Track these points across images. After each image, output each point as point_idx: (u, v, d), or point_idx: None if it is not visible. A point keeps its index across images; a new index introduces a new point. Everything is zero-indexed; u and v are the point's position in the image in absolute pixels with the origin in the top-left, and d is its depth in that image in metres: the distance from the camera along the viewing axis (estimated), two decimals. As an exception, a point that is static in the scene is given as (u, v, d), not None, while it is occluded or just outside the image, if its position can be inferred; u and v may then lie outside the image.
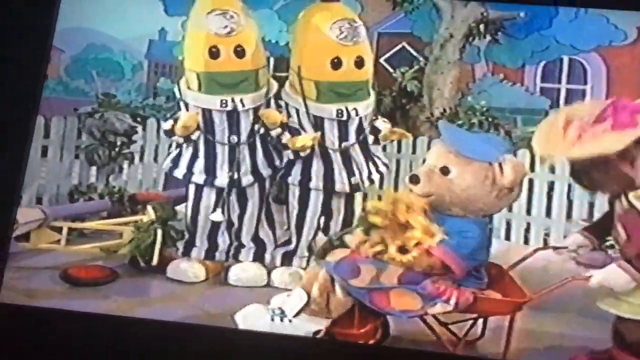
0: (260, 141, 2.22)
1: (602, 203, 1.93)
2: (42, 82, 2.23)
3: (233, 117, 2.18)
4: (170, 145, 2.28)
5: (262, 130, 2.21)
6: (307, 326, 1.75)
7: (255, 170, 2.22)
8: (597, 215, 2.03)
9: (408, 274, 1.70)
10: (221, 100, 2.16)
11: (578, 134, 1.64)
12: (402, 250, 1.66)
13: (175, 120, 2.22)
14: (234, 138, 2.18)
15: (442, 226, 1.69)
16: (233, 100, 2.15)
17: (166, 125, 2.26)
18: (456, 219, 1.71)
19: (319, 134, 2.17)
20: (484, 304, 1.73)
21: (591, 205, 2.20)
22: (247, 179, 2.20)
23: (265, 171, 2.24)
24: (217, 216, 2.21)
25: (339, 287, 1.72)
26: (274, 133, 2.20)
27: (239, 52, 2.15)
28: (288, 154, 2.21)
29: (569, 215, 2.27)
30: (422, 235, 1.66)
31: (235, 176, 2.18)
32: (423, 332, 1.80)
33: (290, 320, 1.75)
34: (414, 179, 1.74)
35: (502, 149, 1.75)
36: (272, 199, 2.32)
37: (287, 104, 2.24)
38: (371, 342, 1.80)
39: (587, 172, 1.68)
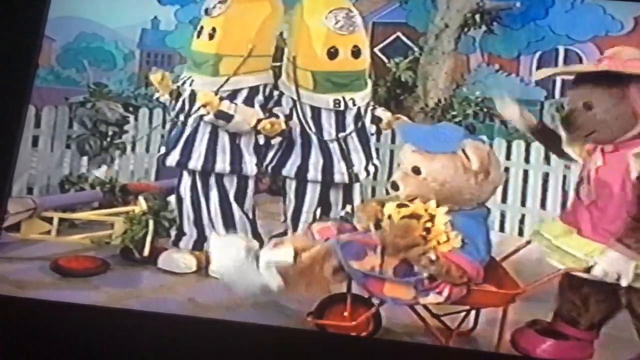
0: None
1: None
2: (34, 72, 2.21)
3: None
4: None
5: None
6: (266, 281, 1.69)
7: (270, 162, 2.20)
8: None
9: (403, 265, 1.69)
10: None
11: None
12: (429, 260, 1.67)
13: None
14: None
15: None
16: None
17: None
18: (458, 216, 1.69)
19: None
20: (477, 296, 1.72)
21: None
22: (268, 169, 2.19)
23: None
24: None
25: (329, 264, 1.69)
26: (273, 142, 2.18)
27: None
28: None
29: (563, 206, 2.26)
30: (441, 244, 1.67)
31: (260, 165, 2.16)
32: (415, 324, 1.79)
33: (257, 267, 1.71)
34: (394, 186, 1.74)
35: (459, 135, 1.72)
36: (264, 189, 2.31)
37: (281, 94, 2.21)
38: (363, 334, 1.79)
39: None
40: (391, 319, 1.80)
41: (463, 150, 1.68)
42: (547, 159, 2.28)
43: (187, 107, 2.17)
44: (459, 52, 2.44)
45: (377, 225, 1.73)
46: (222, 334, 1.82)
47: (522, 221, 2.34)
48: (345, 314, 1.77)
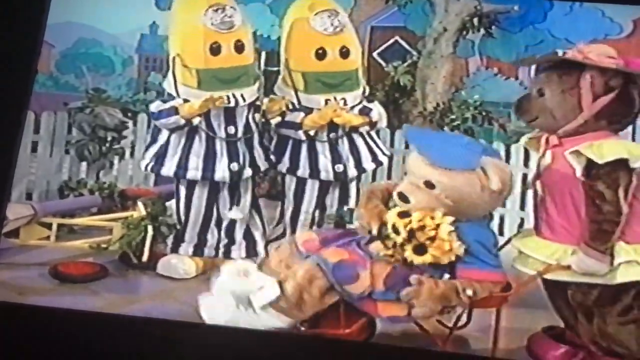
0: (257, 133, 2.21)
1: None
2: (33, 77, 2.21)
3: (230, 112, 2.16)
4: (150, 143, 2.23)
5: (260, 122, 2.21)
6: (272, 322, 1.69)
7: (253, 164, 2.20)
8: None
9: (393, 274, 1.67)
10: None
11: None
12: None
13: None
14: (232, 129, 2.16)
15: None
16: (234, 96, 2.14)
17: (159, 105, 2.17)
18: (463, 226, 1.67)
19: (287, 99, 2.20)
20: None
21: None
22: (246, 172, 2.19)
23: (262, 164, 2.22)
24: (235, 214, 2.19)
25: (318, 287, 1.67)
26: (273, 122, 2.20)
27: (239, 47, 2.14)
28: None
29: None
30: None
31: (235, 168, 2.16)
32: (411, 327, 1.76)
33: (255, 312, 1.70)
34: (403, 198, 1.69)
35: (477, 150, 1.69)
36: (262, 194, 2.31)
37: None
38: (357, 340, 1.77)
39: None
40: (386, 324, 1.77)
41: (482, 169, 1.64)
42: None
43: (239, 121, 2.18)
44: (458, 56, 2.44)
45: (380, 230, 1.70)
46: (222, 340, 1.81)
47: (521, 225, 2.33)
48: (340, 321, 1.73)
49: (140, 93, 2.51)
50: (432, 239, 1.64)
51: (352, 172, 2.21)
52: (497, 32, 2.36)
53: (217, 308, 1.76)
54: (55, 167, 2.48)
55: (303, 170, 2.21)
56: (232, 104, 2.14)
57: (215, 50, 2.12)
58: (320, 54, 2.17)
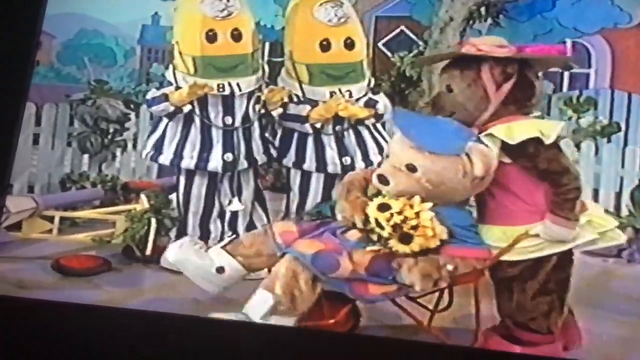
0: (258, 125, 2.19)
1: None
2: (32, 69, 2.18)
3: (227, 101, 2.15)
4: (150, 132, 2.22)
5: (261, 112, 2.18)
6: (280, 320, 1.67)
7: (250, 156, 2.18)
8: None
9: (374, 262, 1.65)
10: (218, 85, 2.12)
11: None
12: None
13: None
14: (229, 119, 2.15)
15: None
16: (230, 85, 2.12)
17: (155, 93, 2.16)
18: (443, 209, 1.67)
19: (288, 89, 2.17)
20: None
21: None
22: (241, 164, 2.17)
23: (260, 157, 2.20)
24: (236, 206, 2.18)
25: (304, 281, 1.67)
26: (275, 113, 2.18)
27: (236, 36, 2.12)
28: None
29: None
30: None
31: (229, 159, 2.15)
32: (394, 312, 1.75)
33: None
34: (382, 180, 1.68)
35: (464, 136, 1.66)
36: (267, 186, 2.29)
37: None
38: (344, 329, 1.75)
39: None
40: (369, 312, 1.77)
41: (467, 155, 1.63)
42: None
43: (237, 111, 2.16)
44: (465, 46, 2.41)
45: (365, 222, 1.68)
46: (224, 333, 1.79)
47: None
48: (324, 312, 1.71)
49: (143, 84, 2.49)
50: (415, 227, 1.64)
51: (359, 164, 2.19)
52: (505, 21, 2.34)
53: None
54: (57, 159, 2.46)
55: (309, 163, 2.19)
56: (227, 92, 2.12)
57: (211, 37, 2.10)
58: (325, 46, 2.14)
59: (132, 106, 2.48)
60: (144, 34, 2.50)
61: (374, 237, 1.67)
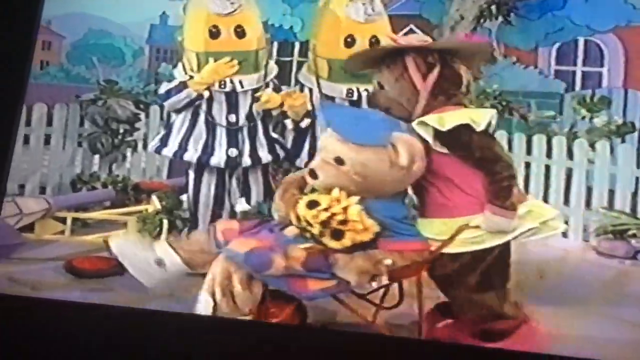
0: (261, 123, 2.19)
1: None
2: (29, 70, 2.18)
3: (231, 98, 2.14)
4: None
5: (262, 112, 2.19)
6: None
7: (254, 154, 2.18)
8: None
9: (310, 258, 1.64)
10: (220, 81, 2.13)
11: None
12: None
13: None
14: (233, 117, 2.14)
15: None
16: (232, 81, 2.12)
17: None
18: (373, 203, 1.67)
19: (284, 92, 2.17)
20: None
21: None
22: (245, 161, 2.17)
23: (265, 156, 2.20)
24: (243, 206, 2.18)
25: (238, 280, 1.66)
26: (274, 113, 2.19)
27: (239, 33, 2.11)
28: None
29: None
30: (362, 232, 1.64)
31: (233, 154, 2.14)
32: (340, 310, 1.75)
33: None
34: (312, 175, 1.69)
35: (389, 126, 1.66)
36: (279, 185, 2.29)
37: (302, 85, 2.23)
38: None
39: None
40: (315, 309, 1.77)
41: (392, 145, 1.64)
42: (570, 154, 2.25)
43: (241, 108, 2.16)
44: (475, 44, 2.39)
45: (297, 220, 1.68)
46: (234, 333, 1.79)
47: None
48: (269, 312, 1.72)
49: (152, 84, 2.49)
50: (344, 222, 1.64)
51: None
52: (516, 19, 2.32)
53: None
54: (68, 160, 2.46)
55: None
56: (229, 89, 2.12)
57: (214, 34, 2.11)
58: (349, 42, 2.12)
59: (142, 106, 2.48)
60: (152, 33, 2.49)
61: (307, 235, 1.68)
